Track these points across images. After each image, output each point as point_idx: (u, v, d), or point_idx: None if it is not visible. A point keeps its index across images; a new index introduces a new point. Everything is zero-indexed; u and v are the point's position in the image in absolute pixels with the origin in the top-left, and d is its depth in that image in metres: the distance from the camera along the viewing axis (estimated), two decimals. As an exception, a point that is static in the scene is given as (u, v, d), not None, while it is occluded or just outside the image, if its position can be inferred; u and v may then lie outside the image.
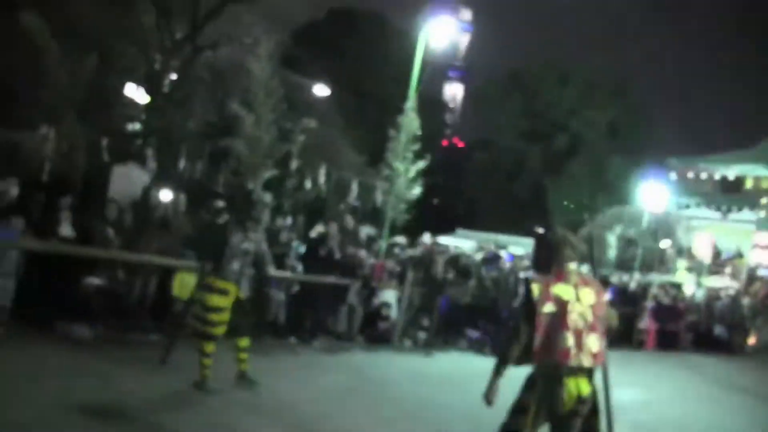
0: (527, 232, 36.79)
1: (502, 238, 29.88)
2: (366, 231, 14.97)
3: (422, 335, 12.80)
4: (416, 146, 17.33)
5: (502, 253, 14.99)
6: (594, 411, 4.58)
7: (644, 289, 19.63)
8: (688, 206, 33.88)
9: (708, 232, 29.66)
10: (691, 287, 26.51)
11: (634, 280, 19.91)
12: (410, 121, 17.30)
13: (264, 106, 14.39)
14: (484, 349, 12.84)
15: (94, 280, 8.75)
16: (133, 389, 6.68)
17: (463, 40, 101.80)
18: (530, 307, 4.48)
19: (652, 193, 27.67)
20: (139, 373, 7.33)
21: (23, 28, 11.23)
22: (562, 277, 4.59)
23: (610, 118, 42.03)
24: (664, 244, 30.94)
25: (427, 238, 15.69)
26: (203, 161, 15.48)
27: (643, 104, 45.08)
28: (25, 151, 11.63)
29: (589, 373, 4.45)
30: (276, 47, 16.37)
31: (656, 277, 26.74)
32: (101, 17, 14.50)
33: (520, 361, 4.50)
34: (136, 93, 16.28)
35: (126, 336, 9.00)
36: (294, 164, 16.33)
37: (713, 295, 23.74)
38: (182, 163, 15.33)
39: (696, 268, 29.30)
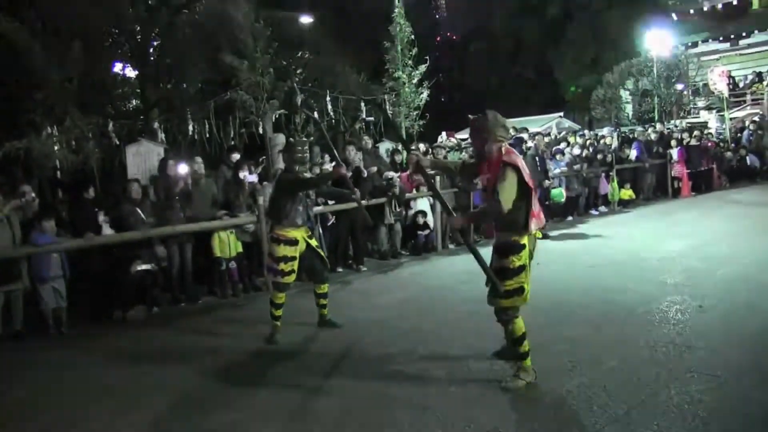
0: (541, 110, 36.66)
1: (519, 120, 29.79)
2: (385, 146, 14.99)
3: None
4: (413, 51, 17.12)
5: (524, 136, 14.93)
6: None
7: (668, 136, 19.51)
8: (695, 43, 33.15)
9: (721, 64, 29.02)
10: (714, 124, 26.31)
11: (656, 131, 19.75)
12: (401, 28, 17.05)
13: (255, 50, 14.25)
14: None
15: (140, 264, 8.90)
16: (202, 349, 6.90)
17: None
18: (525, 187, 5.10)
19: (657, 40, 27.12)
20: (199, 338, 7.55)
21: (2, 35, 11.12)
22: (515, 154, 5.23)
23: (600, -27, 40.74)
24: (679, 87, 30.53)
25: (443, 139, 15.68)
26: (211, 119, 15.45)
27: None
28: (37, 155, 11.69)
29: None
30: (251, -12, 16.08)
31: (678, 122, 26.59)
32: (72, 5, 14.31)
33: (510, 232, 5.23)
34: (126, 70, 16.19)
35: (178, 308, 9.28)
36: (299, 99, 16.27)
37: (738, 126, 23.59)
38: (191, 126, 15.32)
39: (715, 104, 28.97)
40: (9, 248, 8.06)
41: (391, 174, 11.87)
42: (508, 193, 5.04)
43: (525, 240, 5.18)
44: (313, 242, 7.39)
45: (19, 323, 8.18)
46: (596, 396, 4.89)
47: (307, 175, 7.47)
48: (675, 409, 4.56)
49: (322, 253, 7.47)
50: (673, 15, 33.66)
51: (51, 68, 11.39)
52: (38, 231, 8.26)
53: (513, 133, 16.11)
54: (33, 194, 9.35)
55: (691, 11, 33.47)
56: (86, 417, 5.34)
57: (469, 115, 5.68)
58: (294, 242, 7.07)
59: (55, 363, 7.04)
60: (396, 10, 16.94)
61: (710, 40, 33.01)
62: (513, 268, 5.18)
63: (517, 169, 5.08)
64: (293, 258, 7.06)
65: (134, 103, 16.63)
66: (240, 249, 9.86)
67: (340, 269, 10.93)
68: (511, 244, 5.20)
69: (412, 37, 17.04)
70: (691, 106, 32.18)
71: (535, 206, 5.20)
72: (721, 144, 21.40)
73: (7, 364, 7.13)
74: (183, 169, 10.21)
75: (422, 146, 14.20)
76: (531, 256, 5.29)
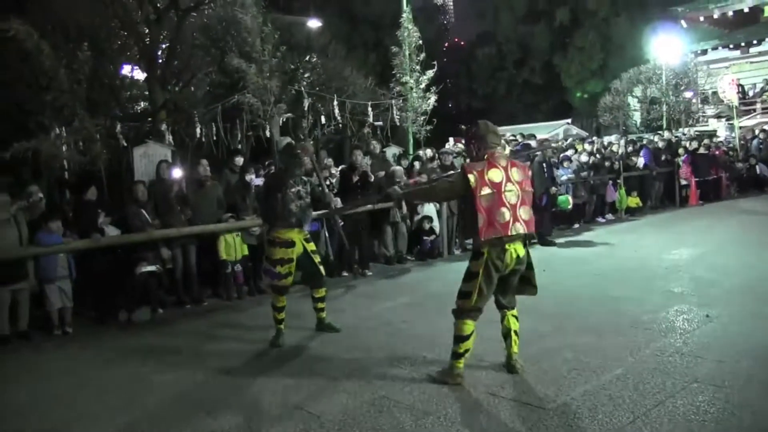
0: (548, 116, 36.61)
1: (526, 126, 29.77)
2: (392, 151, 14.98)
3: (469, 240, 12.94)
4: (421, 56, 17.09)
5: (532, 143, 14.88)
6: (529, 266, 5.68)
7: (677, 144, 19.43)
8: (705, 51, 32.95)
9: (730, 72, 28.81)
10: (723, 132, 26.18)
11: (663, 139, 19.69)
12: (409, 33, 17.04)
13: (263, 53, 14.23)
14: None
15: (145, 266, 8.92)
16: (206, 352, 6.88)
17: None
18: (465, 189, 5.36)
19: (666, 47, 27.03)
20: (203, 340, 7.55)
21: (12, 36, 11.13)
22: (493, 163, 5.42)
23: (608, -21, 40.61)
24: (688, 95, 30.40)
25: (450, 144, 15.64)
26: (218, 122, 15.46)
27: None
28: (45, 156, 11.70)
29: (523, 237, 5.47)
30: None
31: (686, 130, 26.49)
32: (80, 6, 14.30)
33: (466, 236, 5.75)
34: (135, 72, 16.19)
35: (182, 309, 9.32)
36: (306, 103, 16.27)
37: (748, 135, 23.47)
38: (198, 129, 15.33)
39: (725, 112, 28.82)
40: (16, 248, 8.09)
41: (399, 171, 11.79)
42: (443, 184, 5.72)
43: (485, 248, 5.36)
44: (310, 246, 7.35)
45: (25, 323, 8.21)
46: (601, 404, 4.85)
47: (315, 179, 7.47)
48: (681, 419, 4.51)
49: (317, 259, 7.41)
50: (683, 22, 33.46)
51: (60, 70, 11.37)
52: (45, 231, 8.31)
53: (521, 140, 16.13)
54: (40, 194, 9.38)
55: (701, 18, 33.20)
56: (88, 416, 5.34)
57: (461, 126, 5.85)
58: (290, 244, 7.06)
59: (59, 363, 7.05)
60: (404, 15, 16.93)
61: (720, 48, 32.70)
62: (468, 272, 5.52)
63: (464, 175, 5.40)
64: (290, 260, 7.06)
65: (142, 106, 16.64)
66: (246, 252, 9.89)
67: (345, 273, 10.92)
68: (474, 250, 5.54)
69: (420, 42, 17.03)
70: (700, 114, 31.99)
71: (502, 216, 5.30)
72: (731, 153, 21.29)
73: (13, 363, 7.15)
74: (177, 173, 10.21)
75: (429, 151, 14.19)
76: (500, 271, 5.42)
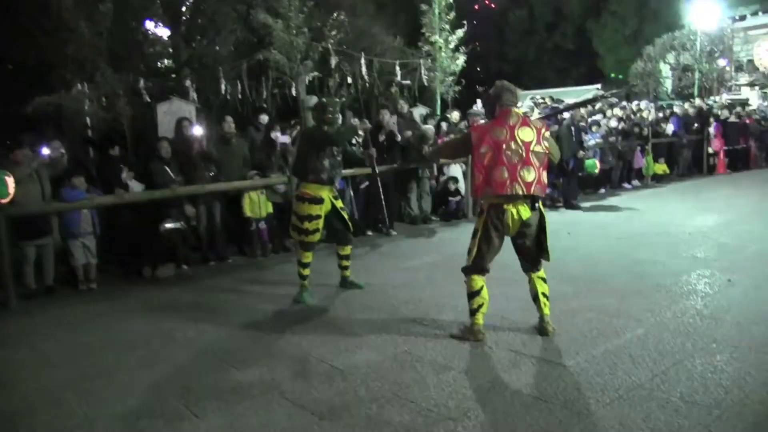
0: (579, 82, 36.07)
1: (556, 91, 29.38)
2: (419, 111, 14.91)
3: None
4: (450, 15, 16.91)
5: (560, 107, 14.75)
6: (542, 229, 5.46)
7: (708, 112, 19.13)
8: (744, 17, 32.05)
9: (768, 39, 27.87)
10: (756, 101, 25.71)
11: (694, 106, 19.39)
12: (439, -10, 16.88)
13: (290, 9, 14.09)
14: (555, 203, 12.92)
15: (169, 222, 8.92)
16: (227, 310, 6.90)
17: None
18: (468, 147, 5.48)
19: (703, 12, 26.42)
20: (228, 296, 7.59)
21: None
22: (500, 120, 5.39)
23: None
24: (722, 62, 29.79)
25: (478, 106, 15.54)
26: (243, 79, 15.40)
27: None
28: (67, 111, 11.68)
29: (530, 199, 5.33)
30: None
31: (718, 98, 26.03)
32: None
33: (473, 194, 5.53)
34: (158, 29, 16.13)
35: (207, 266, 9.35)
36: (333, 62, 16.17)
37: (781, 103, 23.02)
38: (223, 86, 15.31)
39: (759, 80, 28.25)
40: (39, 203, 8.08)
41: (431, 132, 11.76)
42: (451, 141, 6.51)
43: (485, 207, 5.44)
44: (339, 203, 7.34)
45: (50, 278, 8.28)
46: (621, 362, 4.84)
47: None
48: (698, 378, 4.51)
49: (346, 216, 7.42)
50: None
51: (82, 23, 11.30)
52: (68, 187, 8.26)
53: (550, 103, 15.99)
54: (62, 150, 9.41)
55: (744, -19, 31.98)
56: (113, 369, 5.35)
57: (478, 87, 5.94)
58: (319, 200, 7.03)
59: (84, 317, 7.08)
60: (435, -28, 16.77)
61: (760, 13, 31.61)
62: (473, 230, 5.58)
63: (469, 133, 5.65)
64: (318, 216, 7.03)
65: (166, 63, 16.62)
66: (270, 210, 9.87)
67: (369, 233, 10.94)
68: (479, 209, 5.62)
69: (451, 0, 16.85)
70: (733, 82, 31.29)
71: (500, 175, 5.23)
72: (762, 122, 20.89)
73: (39, 317, 7.19)
74: (198, 131, 10.17)
75: (456, 113, 14.12)
76: (502, 228, 5.40)
